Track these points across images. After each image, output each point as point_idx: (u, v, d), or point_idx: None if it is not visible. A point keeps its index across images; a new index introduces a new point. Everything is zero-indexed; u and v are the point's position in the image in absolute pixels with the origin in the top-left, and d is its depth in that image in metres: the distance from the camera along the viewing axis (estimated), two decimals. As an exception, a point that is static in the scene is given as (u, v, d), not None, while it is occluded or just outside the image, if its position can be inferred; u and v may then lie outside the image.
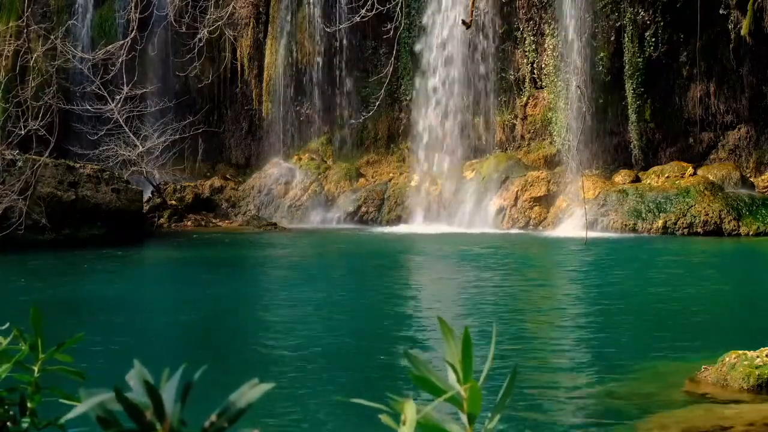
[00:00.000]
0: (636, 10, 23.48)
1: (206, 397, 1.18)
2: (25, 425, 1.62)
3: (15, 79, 20.01)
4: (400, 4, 21.20)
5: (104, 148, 25.07)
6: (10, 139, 15.76)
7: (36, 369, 1.68)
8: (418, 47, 25.43)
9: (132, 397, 1.10)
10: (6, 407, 1.65)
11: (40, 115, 13.36)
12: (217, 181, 27.39)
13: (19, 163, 18.34)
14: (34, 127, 12.97)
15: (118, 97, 18.81)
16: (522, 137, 25.21)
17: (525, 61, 24.84)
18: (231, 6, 24.85)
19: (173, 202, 25.81)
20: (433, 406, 1.22)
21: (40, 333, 1.66)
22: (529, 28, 24.70)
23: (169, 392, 1.11)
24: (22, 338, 1.70)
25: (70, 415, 1.17)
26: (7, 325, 1.88)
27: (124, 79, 17.36)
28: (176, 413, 1.10)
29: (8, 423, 1.63)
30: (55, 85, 15.80)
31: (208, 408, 1.25)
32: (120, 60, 15.71)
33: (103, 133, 24.68)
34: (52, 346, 1.70)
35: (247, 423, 1.16)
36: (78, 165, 20.98)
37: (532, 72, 24.78)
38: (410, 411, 1.19)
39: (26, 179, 15.28)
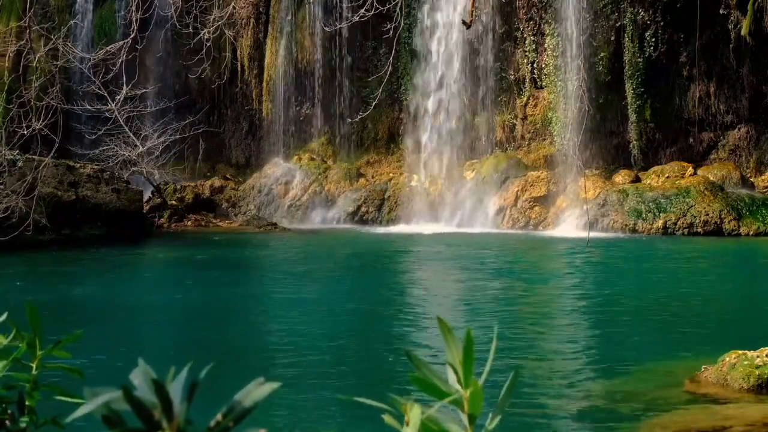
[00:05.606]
0: (636, 10, 23.48)
1: (203, 396, 1.18)
2: (23, 424, 1.62)
3: (18, 80, 19.99)
4: (400, 4, 21.20)
5: (104, 148, 25.07)
6: (14, 141, 15.74)
7: (34, 366, 1.66)
8: (418, 47, 25.44)
9: (140, 395, 1.10)
10: (4, 405, 1.64)
11: (41, 115, 13.34)
12: (217, 181, 27.40)
13: (19, 164, 18.32)
14: (38, 128, 12.95)
15: (118, 97, 18.81)
16: (522, 137, 25.20)
17: (525, 61, 24.84)
18: (231, 6, 24.85)
19: (173, 202, 25.81)
20: (437, 408, 1.22)
21: (37, 330, 1.65)
22: (529, 28, 24.71)
23: (175, 391, 1.11)
24: (20, 335, 1.68)
25: (76, 414, 1.17)
26: (5, 315, 1.86)
27: (124, 79, 17.36)
28: (182, 413, 1.10)
29: (7, 422, 1.63)
30: (57, 85, 15.79)
31: (205, 405, 1.26)
32: (120, 60, 15.69)
33: (102, 133, 24.68)
34: (51, 345, 1.69)
35: (249, 422, 1.17)
36: (78, 165, 20.99)
37: (532, 72, 24.79)
38: (414, 414, 1.19)
39: (30, 181, 15.26)
